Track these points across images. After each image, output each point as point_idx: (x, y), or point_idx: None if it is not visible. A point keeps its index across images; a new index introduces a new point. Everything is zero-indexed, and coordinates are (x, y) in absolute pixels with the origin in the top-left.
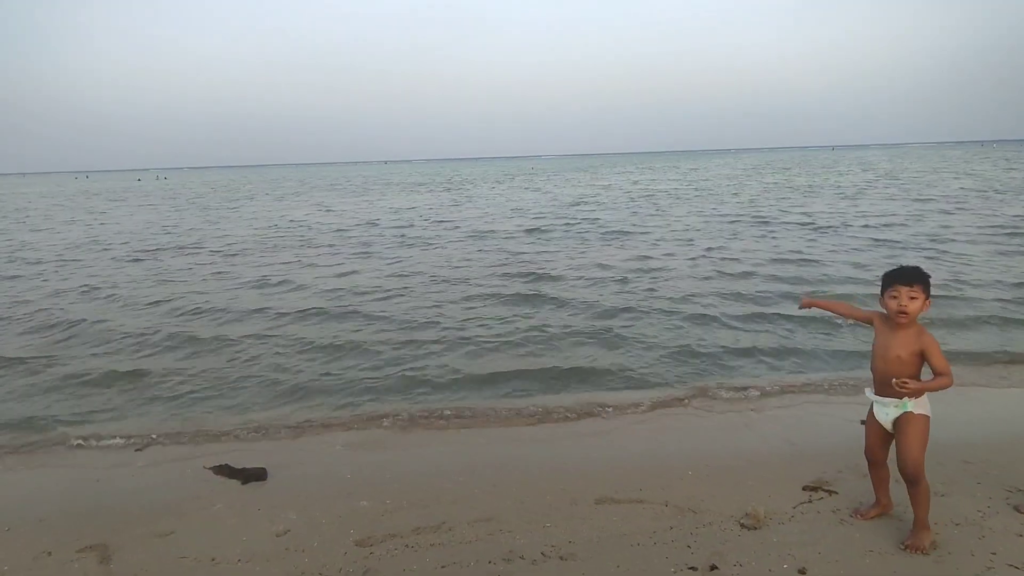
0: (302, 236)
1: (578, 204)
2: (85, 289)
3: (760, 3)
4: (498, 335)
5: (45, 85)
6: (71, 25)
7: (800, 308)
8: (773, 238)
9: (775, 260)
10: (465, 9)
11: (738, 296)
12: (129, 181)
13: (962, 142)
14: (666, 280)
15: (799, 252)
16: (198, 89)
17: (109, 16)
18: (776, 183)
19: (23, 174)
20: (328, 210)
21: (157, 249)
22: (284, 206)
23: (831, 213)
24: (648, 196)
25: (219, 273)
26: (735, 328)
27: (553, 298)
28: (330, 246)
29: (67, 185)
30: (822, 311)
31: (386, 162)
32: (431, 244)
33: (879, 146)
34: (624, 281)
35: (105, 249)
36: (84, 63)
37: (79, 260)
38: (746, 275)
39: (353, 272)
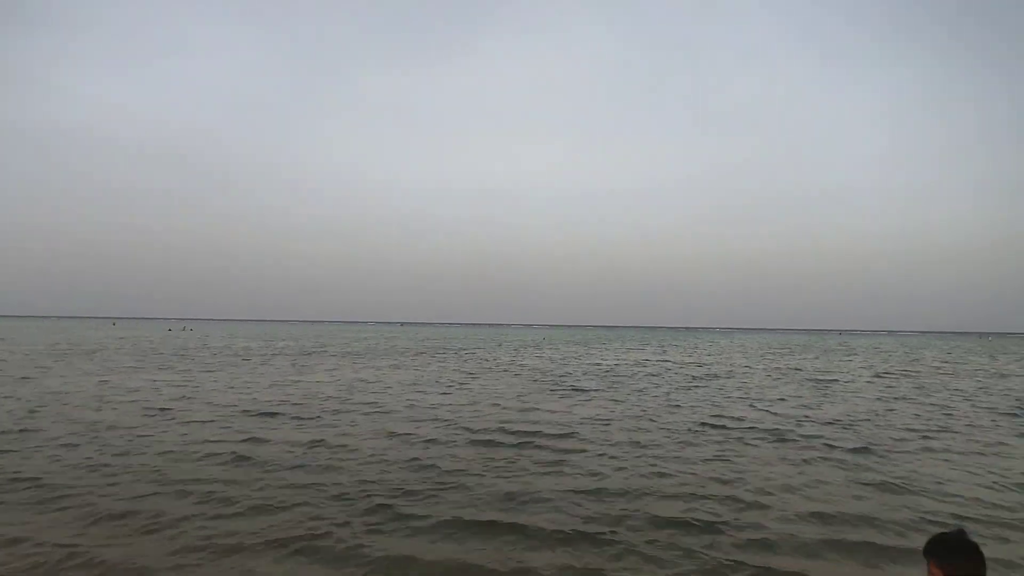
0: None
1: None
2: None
3: (766, 200)
4: None
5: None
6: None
7: None
8: (806, 462)
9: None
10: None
11: None
12: (160, 331)
13: (964, 332)
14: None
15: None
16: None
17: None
18: (789, 369)
19: (58, 317)
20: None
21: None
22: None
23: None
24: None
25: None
26: None
27: None
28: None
29: (105, 330)
30: None
31: (402, 323)
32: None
33: (885, 333)
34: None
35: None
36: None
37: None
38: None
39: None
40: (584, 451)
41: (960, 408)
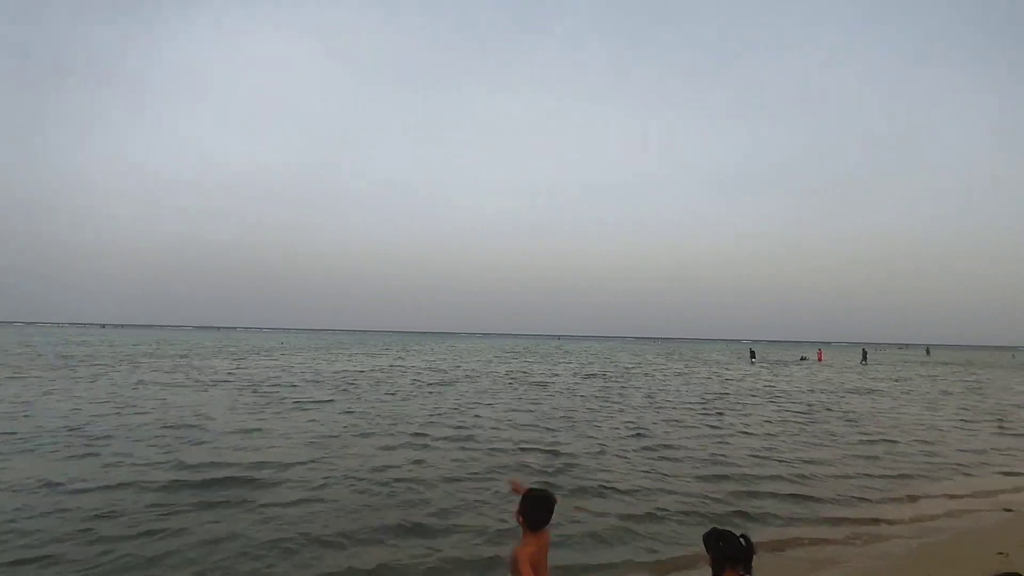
0: None
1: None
2: None
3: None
4: None
5: None
6: None
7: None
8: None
9: None
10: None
11: None
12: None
13: (643, 338)
14: None
15: None
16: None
17: None
18: (517, 373)
19: None
20: None
21: None
22: None
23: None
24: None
25: None
26: None
27: None
28: None
29: None
30: None
31: (103, 325)
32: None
33: (594, 337)
34: None
35: None
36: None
37: None
38: None
39: None
40: (273, 504)
41: (658, 404)
